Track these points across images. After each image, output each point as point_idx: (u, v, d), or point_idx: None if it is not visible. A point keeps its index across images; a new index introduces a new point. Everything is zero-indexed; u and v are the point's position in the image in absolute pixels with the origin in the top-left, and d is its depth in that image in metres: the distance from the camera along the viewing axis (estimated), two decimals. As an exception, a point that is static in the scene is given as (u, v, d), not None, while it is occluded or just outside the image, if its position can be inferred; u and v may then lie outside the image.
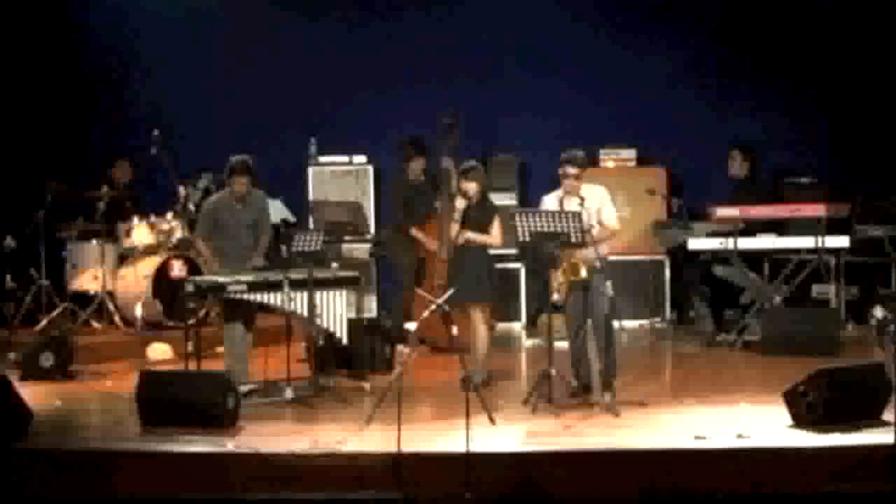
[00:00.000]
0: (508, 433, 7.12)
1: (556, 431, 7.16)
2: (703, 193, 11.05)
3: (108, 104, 11.83)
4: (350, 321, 8.61)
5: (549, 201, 8.01)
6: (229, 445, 6.83)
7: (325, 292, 8.26)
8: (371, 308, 11.36)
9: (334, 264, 9.47)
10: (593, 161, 10.99)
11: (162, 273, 10.48)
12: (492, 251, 8.77)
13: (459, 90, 11.33)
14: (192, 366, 8.07)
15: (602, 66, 11.56)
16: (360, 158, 11.71)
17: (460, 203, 8.58)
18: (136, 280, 10.59)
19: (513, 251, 11.01)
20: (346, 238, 10.78)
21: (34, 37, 11.65)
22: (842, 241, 10.04)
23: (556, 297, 7.88)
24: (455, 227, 8.59)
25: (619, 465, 6.62)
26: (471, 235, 8.52)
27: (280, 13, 11.84)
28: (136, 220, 10.88)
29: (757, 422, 7.14)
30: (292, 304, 8.10)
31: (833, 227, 9.99)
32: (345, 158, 11.72)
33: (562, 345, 8.17)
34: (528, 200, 10.86)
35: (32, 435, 7.15)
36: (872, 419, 7.03)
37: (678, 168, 11.54)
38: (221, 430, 7.11)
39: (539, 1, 11.63)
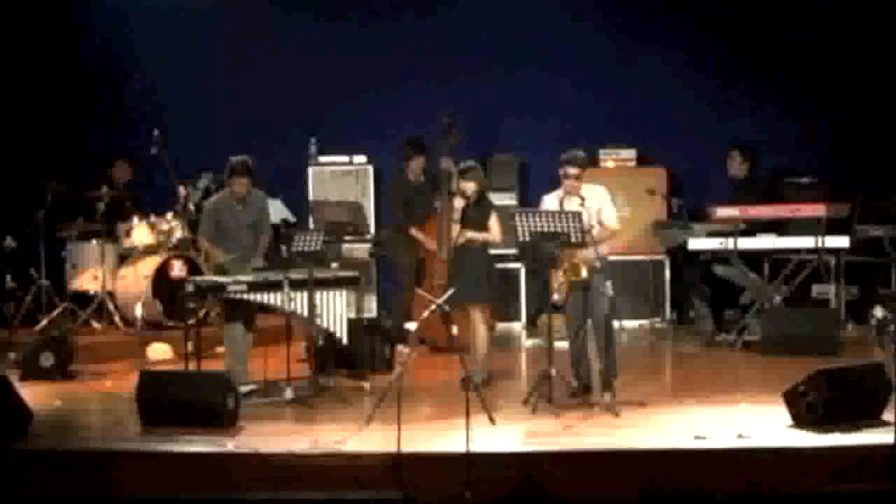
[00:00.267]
0: (508, 433, 7.12)
1: (556, 431, 7.16)
2: (703, 193, 11.06)
3: (108, 104, 11.83)
4: (350, 321, 8.61)
5: (550, 201, 8.01)
6: (229, 445, 6.83)
7: (325, 292, 8.26)
8: (371, 308, 11.36)
9: (334, 264, 9.48)
10: (593, 161, 11.00)
11: (162, 273, 10.47)
12: (492, 251, 8.78)
13: (459, 90, 11.33)
14: (192, 366, 8.07)
15: (602, 66, 11.56)
16: (360, 158, 11.71)
17: (459, 203, 8.59)
18: (136, 280, 10.59)
19: (513, 251, 11.02)
20: (346, 238, 10.78)
21: (34, 37, 11.65)
22: (842, 241, 10.04)
23: (556, 297, 7.88)
24: (455, 228, 8.60)
25: (619, 465, 6.62)
26: (471, 234, 8.52)
27: (280, 13, 11.84)
28: (136, 220, 10.88)
29: (757, 422, 7.14)
30: (292, 304, 8.10)
31: (833, 227, 9.98)
32: (345, 158, 11.72)
33: (562, 345, 8.17)
34: (528, 200, 10.86)
35: (32, 435, 7.15)
36: (872, 419, 7.04)
37: (678, 168, 11.54)
38: (221, 430, 7.11)
39: (539, 1, 11.62)
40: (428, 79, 11.51)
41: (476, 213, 8.54)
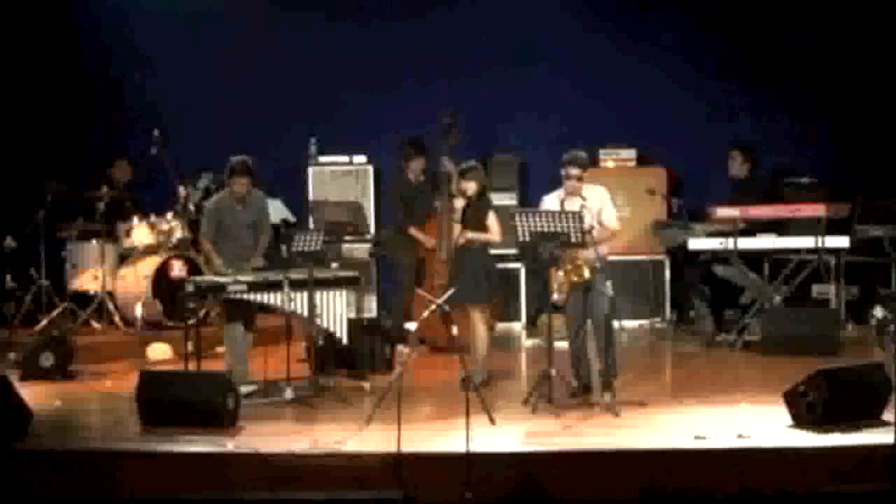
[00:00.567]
0: (508, 433, 7.12)
1: (556, 431, 7.16)
2: (703, 193, 11.06)
3: (108, 104, 11.82)
4: (350, 321, 8.61)
5: (550, 201, 8.01)
6: (229, 445, 6.83)
7: (325, 292, 8.26)
8: (371, 308, 11.36)
9: (334, 264, 9.48)
10: (593, 161, 10.99)
11: (162, 273, 10.47)
12: (492, 251, 8.78)
13: (459, 90, 11.33)
14: (192, 366, 8.07)
15: (602, 66, 11.56)
16: (360, 158, 11.71)
17: (459, 203, 8.60)
18: (136, 280, 10.59)
19: (513, 251, 11.02)
20: (346, 238, 10.78)
21: (34, 37, 11.65)
22: (842, 241, 10.04)
23: (556, 296, 7.87)
24: (456, 228, 8.61)
25: (619, 465, 6.62)
26: (471, 235, 8.52)
27: (280, 13, 11.83)
28: (136, 220, 10.88)
29: (757, 422, 7.14)
30: (292, 304, 8.10)
31: (833, 227, 9.98)
32: (345, 158, 11.72)
33: (562, 345, 8.17)
34: (528, 200, 10.86)
35: (32, 435, 7.14)
36: (872, 419, 7.04)
37: (678, 168, 11.54)
38: (221, 430, 7.11)
39: (539, 1, 11.62)
40: (428, 79, 11.52)
41: (476, 213, 8.53)
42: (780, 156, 11.26)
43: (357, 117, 11.66)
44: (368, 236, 11.26)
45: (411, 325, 9.45)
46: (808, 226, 9.96)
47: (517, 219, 7.76)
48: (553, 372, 7.70)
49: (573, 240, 7.62)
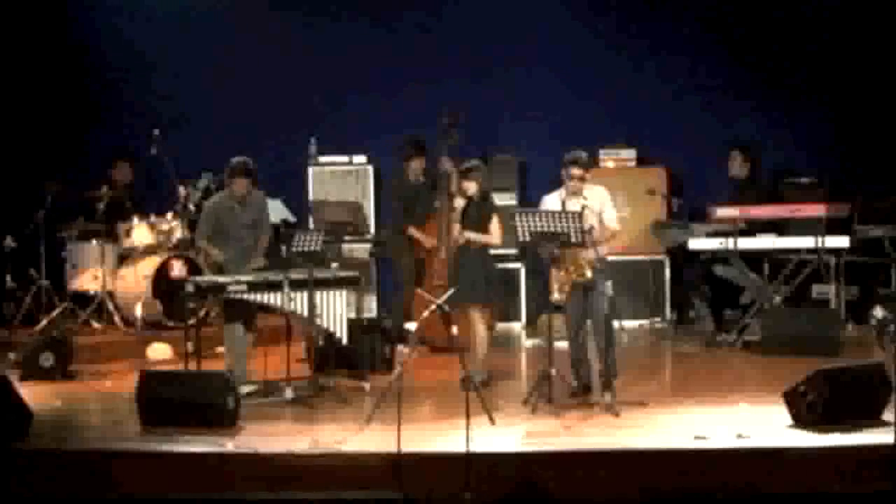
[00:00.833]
0: (508, 433, 7.12)
1: (556, 431, 7.16)
2: (703, 193, 11.05)
3: (108, 104, 11.82)
4: (350, 321, 8.60)
5: (551, 201, 8.00)
6: (229, 445, 6.83)
7: (325, 292, 8.26)
8: (371, 308, 11.37)
9: (334, 264, 9.48)
10: (593, 161, 10.98)
11: (162, 273, 10.48)
12: (492, 251, 8.77)
13: (459, 90, 11.32)
14: (192, 366, 8.06)
15: (602, 66, 11.56)
16: (360, 158, 11.71)
17: (458, 202, 8.60)
18: (136, 280, 10.59)
19: (513, 251, 11.03)
20: (346, 238, 10.79)
21: (34, 37, 11.65)
22: (842, 241, 10.03)
23: (556, 296, 7.87)
24: (456, 228, 8.60)
25: (619, 465, 6.62)
26: (471, 235, 8.52)
27: (280, 13, 11.84)
28: (136, 220, 10.88)
29: (757, 422, 7.14)
30: (292, 304, 8.09)
31: (833, 227, 9.98)
32: (345, 158, 11.73)
33: (562, 345, 8.17)
34: (528, 200, 10.85)
35: (32, 435, 7.14)
36: (872, 419, 7.03)
37: (678, 168, 11.54)
38: (221, 430, 7.10)
39: (539, 1, 11.62)
40: (428, 79, 11.51)
41: (477, 214, 8.53)
42: (780, 156, 11.26)
43: (357, 117, 11.66)
44: (368, 236, 11.27)
45: (411, 325, 9.45)
46: (808, 226, 9.95)
47: (517, 219, 7.76)
48: (553, 372, 7.70)
49: (573, 240, 7.62)
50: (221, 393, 7.32)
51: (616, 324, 8.79)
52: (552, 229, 7.64)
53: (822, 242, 9.90)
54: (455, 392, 7.62)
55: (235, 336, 8.48)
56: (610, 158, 11.55)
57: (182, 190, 10.80)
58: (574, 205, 7.81)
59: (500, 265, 9.81)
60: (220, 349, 8.86)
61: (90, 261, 10.85)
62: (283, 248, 8.37)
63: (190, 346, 8.12)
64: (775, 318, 9.84)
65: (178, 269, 10.39)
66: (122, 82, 11.88)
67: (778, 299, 10.12)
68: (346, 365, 8.85)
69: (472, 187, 8.52)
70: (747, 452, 6.63)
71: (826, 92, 11.27)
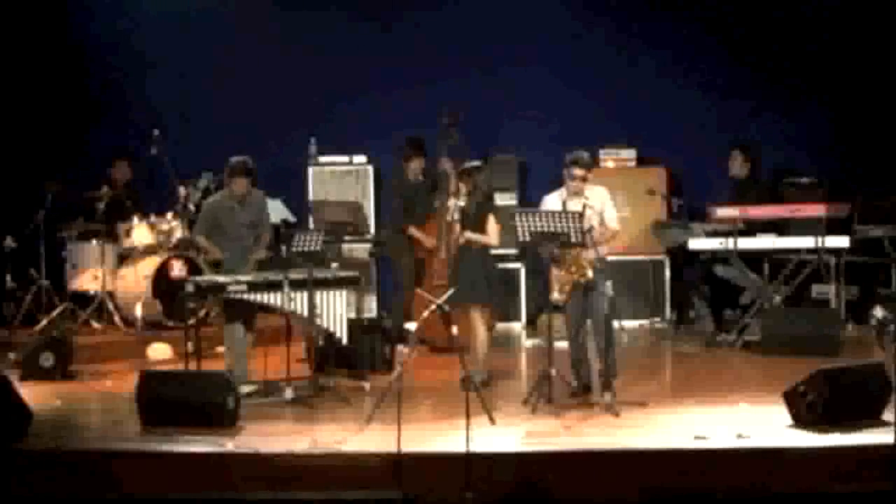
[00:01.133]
0: (508, 433, 7.12)
1: (556, 431, 7.16)
2: (703, 193, 11.05)
3: (108, 104, 11.82)
4: (350, 321, 8.60)
5: (552, 201, 8.00)
6: (229, 445, 6.83)
7: (325, 292, 8.25)
8: (371, 308, 11.37)
9: (334, 264, 9.48)
10: (593, 161, 10.97)
11: (162, 273, 10.48)
12: (493, 251, 8.77)
13: (459, 90, 11.32)
14: (192, 366, 8.06)
15: (602, 66, 11.56)
16: (360, 158, 11.71)
17: (452, 203, 8.61)
18: (136, 280, 10.59)
19: (513, 251, 11.03)
20: (346, 238, 10.78)
21: (34, 37, 11.64)
22: (842, 241, 10.03)
23: (556, 296, 7.86)
24: (457, 228, 8.61)
25: (619, 465, 6.62)
26: (469, 235, 8.52)
27: (280, 13, 11.83)
28: (136, 220, 10.88)
29: (757, 422, 7.14)
30: (292, 304, 8.09)
31: (833, 227, 9.98)
32: (345, 158, 11.73)
33: (562, 345, 8.17)
34: (529, 200, 10.86)
35: (32, 435, 7.14)
36: (872, 419, 7.03)
37: (678, 168, 11.55)
38: (221, 430, 7.10)
39: (539, 1, 11.62)
40: (428, 79, 11.51)
41: (475, 214, 8.54)
42: (780, 156, 11.26)
43: (357, 117, 11.65)
44: (368, 236, 11.27)
45: (411, 325, 9.45)
46: (808, 226, 9.95)
47: (517, 219, 7.75)
48: (553, 372, 7.70)
49: (573, 240, 7.62)
50: (221, 393, 7.32)
51: (616, 324, 8.79)
52: (552, 229, 7.64)
53: (822, 242, 9.90)
54: (455, 392, 7.62)
55: (235, 336, 8.48)
56: (610, 158, 11.55)
57: (182, 190, 10.80)
58: (575, 205, 7.81)
59: (500, 265, 9.80)
60: (220, 349, 8.86)
61: (90, 261, 10.85)
62: (283, 248, 8.37)
63: (190, 346, 8.12)
64: (775, 318, 9.84)
65: (178, 269, 10.40)
66: (122, 82, 11.87)
67: (778, 299, 10.12)
68: (346, 365, 8.85)
69: (463, 188, 8.54)
70: (747, 452, 6.63)
71: (826, 92, 11.27)
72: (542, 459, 6.68)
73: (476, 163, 8.73)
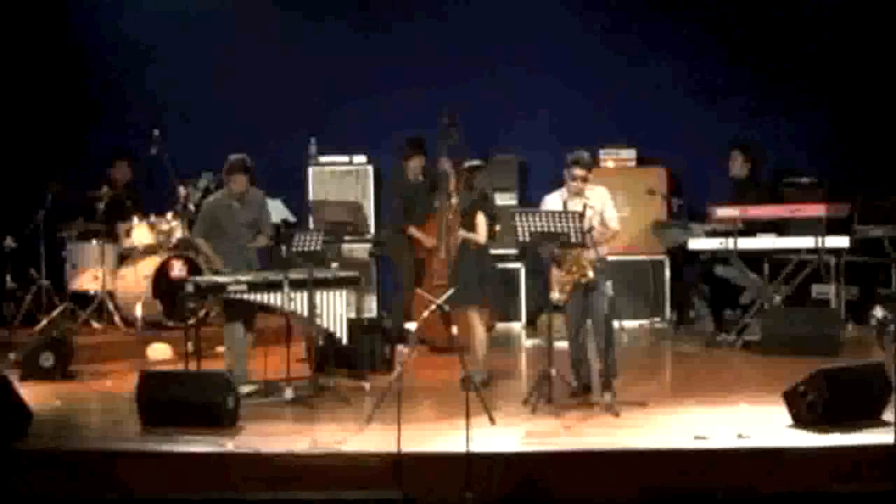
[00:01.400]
0: (508, 433, 7.12)
1: (556, 431, 7.16)
2: (703, 193, 11.05)
3: (108, 104, 11.81)
4: (350, 321, 8.60)
5: (552, 201, 8.00)
6: (229, 445, 6.83)
7: (325, 292, 8.25)
8: (371, 308, 11.37)
9: (334, 264, 9.48)
10: (594, 161, 10.97)
11: (162, 273, 10.49)
12: (492, 251, 8.77)
13: (459, 90, 11.31)
14: (192, 366, 8.07)
15: (602, 66, 11.55)
16: (360, 158, 11.71)
17: (453, 202, 8.62)
18: (136, 280, 10.59)
19: (513, 251, 11.03)
20: (346, 238, 10.78)
21: (34, 37, 11.65)
22: (842, 241, 10.03)
23: (556, 296, 7.86)
24: (457, 227, 8.61)
25: (619, 465, 6.62)
26: (464, 234, 8.53)
27: (280, 13, 11.83)
28: (136, 220, 10.88)
29: (757, 422, 7.14)
30: (292, 304, 8.09)
31: (833, 227, 9.98)
32: (345, 158, 11.73)
33: (562, 345, 8.17)
34: (529, 200, 10.86)
35: (32, 435, 7.14)
36: (872, 419, 7.04)
37: (678, 168, 11.54)
38: (221, 430, 7.10)
39: (539, 1, 11.62)
40: (428, 79, 11.50)
41: (468, 212, 8.56)
42: (780, 156, 11.26)
43: (357, 117, 11.65)
44: (368, 236, 11.27)
45: (411, 325, 9.45)
46: (808, 226, 9.95)
47: (517, 219, 7.75)
48: (553, 372, 7.70)
49: (573, 240, 7.62)
50: (221, 393, 7.32)
51: (616, 324, 8.79)
52: (552, 229, 7.63)
53: (822, 242, 9.90)
54: (455, 392, 7.62)
55: (235, 336, 8.48)
56: (610, 158, 11.55)
57: (182, 190, 10.81)
58: (576, 205, 7.80)
59: (500, 265, 9.80)
60: (220, 349, 8.86)
61: (90, 261, 10.85)
62: (283, 248, 8.37)
63: (190, 346, 8.12)
64: (775, 318, 9.85)
65: (178, 269, 10.40)
66: (122, 82, 11.88)
67: (778, 299, 10.12)
68: (346, 365, 8.85)
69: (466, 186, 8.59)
70: (747, 452, 6.63)
71: (826, 92, 11.27)
72: (542, 459, 6.68)
73: (476, 162, 8.72)
